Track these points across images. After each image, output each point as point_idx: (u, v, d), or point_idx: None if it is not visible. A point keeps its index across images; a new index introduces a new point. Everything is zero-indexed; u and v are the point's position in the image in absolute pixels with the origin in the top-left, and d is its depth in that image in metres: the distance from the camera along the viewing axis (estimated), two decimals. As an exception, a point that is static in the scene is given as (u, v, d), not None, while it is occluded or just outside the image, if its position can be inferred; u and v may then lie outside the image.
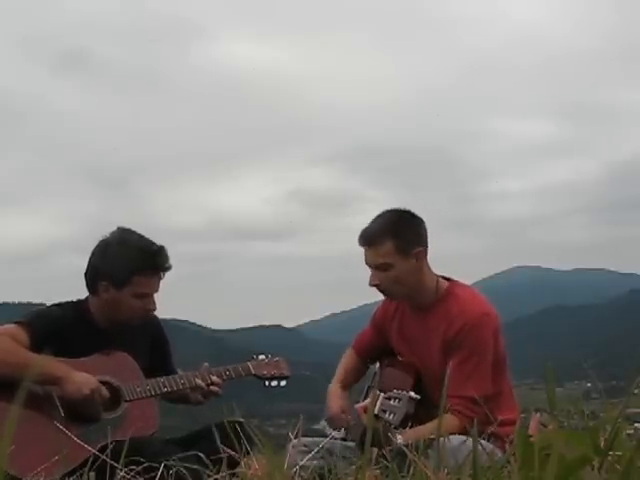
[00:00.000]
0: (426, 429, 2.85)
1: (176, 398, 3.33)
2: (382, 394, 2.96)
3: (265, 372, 3.44)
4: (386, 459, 2.16)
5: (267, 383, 3.46)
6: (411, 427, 2.92)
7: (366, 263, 3.14)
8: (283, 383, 3.50)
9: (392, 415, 2.88)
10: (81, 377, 2.92)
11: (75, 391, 2.90)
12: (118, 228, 3.18)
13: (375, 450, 2.47)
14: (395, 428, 2.85)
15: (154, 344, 3.32)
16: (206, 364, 3.30)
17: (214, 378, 3.25)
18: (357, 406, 3.21)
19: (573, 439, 1.04)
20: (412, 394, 2.92)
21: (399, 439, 2.80)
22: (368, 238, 3.11)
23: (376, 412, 2.90)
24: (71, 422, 2.91)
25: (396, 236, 3.07)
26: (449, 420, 2.94)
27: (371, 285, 3.15)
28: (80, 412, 2.94)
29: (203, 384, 3.22)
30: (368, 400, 3.25)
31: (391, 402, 2.91)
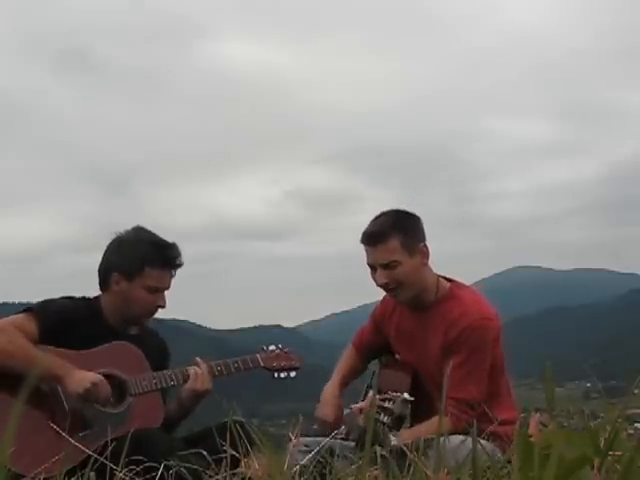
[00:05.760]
0: (421, 430, 2.87)
1: (176, 415, 3.22)
2: (377, 396, 2.97)
3: (275, 364, 3.41)
4: (386, 459, 2.16)
5: (276, 375, 3.43)
6: (411, 427, 2.93)
7: (371, 263, 3.13)
8: (293, 374, 3.47)
9: (386, 417, 2.88)
10: (82, 375, 2.92)
11: (75, 390, 2.90)
12: (133, 227, 3.23)
13: (374, 450, 2.47)
14: (389, 429, 2.85)
15: (156, 363, 3.22)
16: (197, 358, 3.23)
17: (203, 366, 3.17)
18: (353, 407, 3.21)
19: (573, 439, 1.04)
20: (406, 396, 2.90)
21: (393, 440, 2.80)
22: (374, 236, 3.10)
23: None
24: (75, 418, 2.92)
25: (402, 233, 3.09)
26: (443, 423, 2.93)
27: (379, 284, 3.14)
28: (82, 409, 2.94)
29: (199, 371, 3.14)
30: (363, 402, 3.23)
31: (385, 404, 2.90)
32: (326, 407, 3.30)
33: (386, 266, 3.08)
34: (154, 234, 3.21)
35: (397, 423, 2.89)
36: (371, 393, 3.05)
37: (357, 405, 3.18)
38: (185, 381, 3.15)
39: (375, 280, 3.15)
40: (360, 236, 3.16)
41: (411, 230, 3.14)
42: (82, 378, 2.91)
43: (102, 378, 2.96)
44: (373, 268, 3.14)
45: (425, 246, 3.15)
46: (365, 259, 3.16)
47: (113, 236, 3.21)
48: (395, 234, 3.07)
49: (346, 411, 3.31)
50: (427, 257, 3.16)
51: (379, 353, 3.47)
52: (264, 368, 3.40)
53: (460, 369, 3.02)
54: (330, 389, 3.39)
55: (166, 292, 3.18)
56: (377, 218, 3.17)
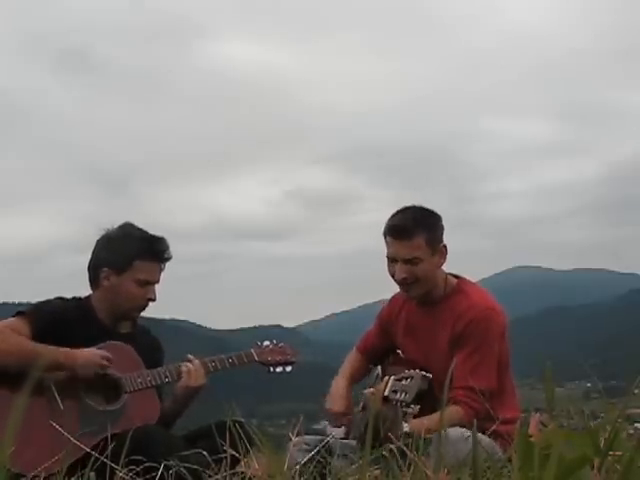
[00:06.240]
0: (432, 419, 2.86)
1: (171, 412, 3.22)
2: (393, 376, 2.98)
3: (269, 358, 3.40)
4: (386, 456, 2.16)
5: (272, 369, 3.42)
6: (421, 410, 2.92)
7: (392, 255, 3.14)
8: (289, 369, 3.46)
9: (404, 394, 2.90)
10: (87, 353, 2.96)
11: (89, 367, 2.94)
12: (120, 223, 3.23)
13: (382, 438, 2.48)
14: (407, 406, 2.88)
15: (150, 361, 3.21)
16: (189, 355, 3.22)
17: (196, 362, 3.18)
18: (366, 390, 3.21)
19: (573, 439, 1.04)
20: (424, 372, 2.94)
21: (405, 427, 2.82)
22: (400, 230, 3.11)
23: (386, 394, 2.92)
24: (70, 416, 2.92)
25: (426, 231, 3.12)
26: (454, 411, 2.98)
27: (397, 278, 3.15)
28: (77, 408, 2.94)
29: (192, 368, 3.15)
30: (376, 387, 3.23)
31: (403, 382, 2.93)
32: (336, 399, 3.32)
33: (408, 261, 3.10)
34: (142, 229, 3.22)
35: (417, 399, 2.90)
36: (386, 378, 3.03)
37: (370, 389, 3.19)
38: (179, 377, 3.15)
39: (392, 273, 3.16)
40: (384, 227, 3.16)
41: (434, 228, 3.17)
42: (93, 354, 2.96)
43: (104, 351, 3.01)
44: (393, 261, 3.14)
45: (444, 246, 3.19)
46: (385, 252, 3.15)
47: (102, 233, 3.23)
48: (421, 231, 3.10)
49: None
50: (445, 258, 3.20)
51: (384, 357, 3.47)
52: (259, 363, 3.38)
53: (469, 360, 3.05)
54: (339, 381, 3.40)
55: (156, 286, 3.19)
56: (401, 212, 3.18)
